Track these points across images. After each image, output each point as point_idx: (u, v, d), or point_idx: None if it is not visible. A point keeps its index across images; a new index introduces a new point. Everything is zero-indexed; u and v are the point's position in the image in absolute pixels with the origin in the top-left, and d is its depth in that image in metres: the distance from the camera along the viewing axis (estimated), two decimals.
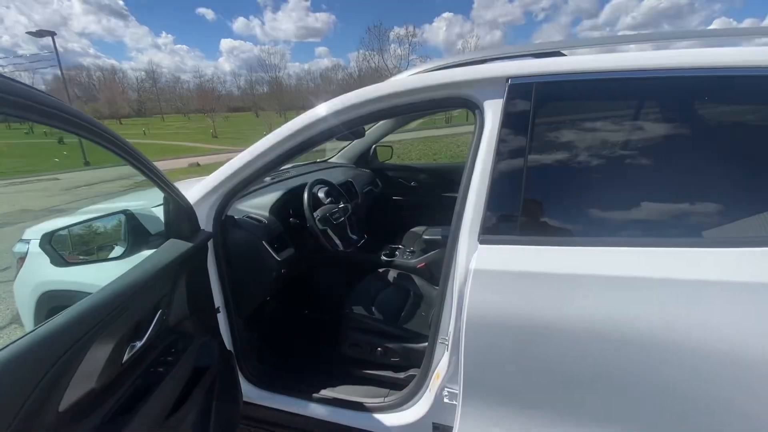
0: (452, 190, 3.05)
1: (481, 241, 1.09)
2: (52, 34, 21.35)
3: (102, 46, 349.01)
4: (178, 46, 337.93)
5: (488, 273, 1.04)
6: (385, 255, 2.28)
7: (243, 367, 1.58)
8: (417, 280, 2.02)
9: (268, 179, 2.20)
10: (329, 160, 3.07)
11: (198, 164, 13.82)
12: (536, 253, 1.03)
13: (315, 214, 1.77)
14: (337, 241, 1.83)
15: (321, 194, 2.10)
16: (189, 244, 1.18)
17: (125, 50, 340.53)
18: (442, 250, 2.25)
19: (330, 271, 2.27)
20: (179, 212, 1.21)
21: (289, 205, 1.92)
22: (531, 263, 1.02)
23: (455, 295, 1.13)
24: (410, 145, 13.37)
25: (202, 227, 1.34)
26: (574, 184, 1.07)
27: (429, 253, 2.17)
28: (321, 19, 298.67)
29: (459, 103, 1.23)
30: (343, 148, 3.02)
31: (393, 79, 1.43)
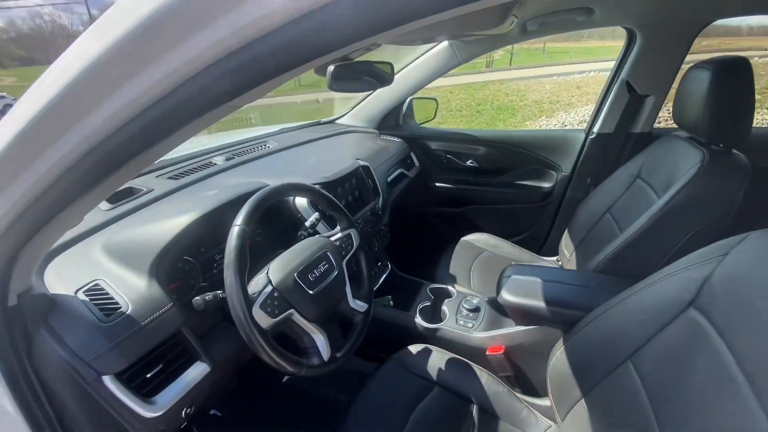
0: (537, 177, 1.90)
1: None
2: None
3: None
4: None
5: None
6: (422, 314, 1.23)
7: None
8: (485, 380, 1.00)
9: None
10: (338, 121, 1.96)
11: None
12: None
13: (256, 282, 0.72)
14: (320, 339, 0.79)
15: (300, 204, 1.05)
16: None
17: None
18: (546, 332, 0.92)
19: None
20: None
21: (209, 247, 0.90)
22: None
23: None
24: (449, 93, 11.64)
25: None
26: None
27: (514, 329, 1.10)
28: None
29: None
30: (359, 103, 1.88)
31: None
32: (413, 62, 1.65)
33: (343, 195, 1.23)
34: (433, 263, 1.55)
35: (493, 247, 1.64)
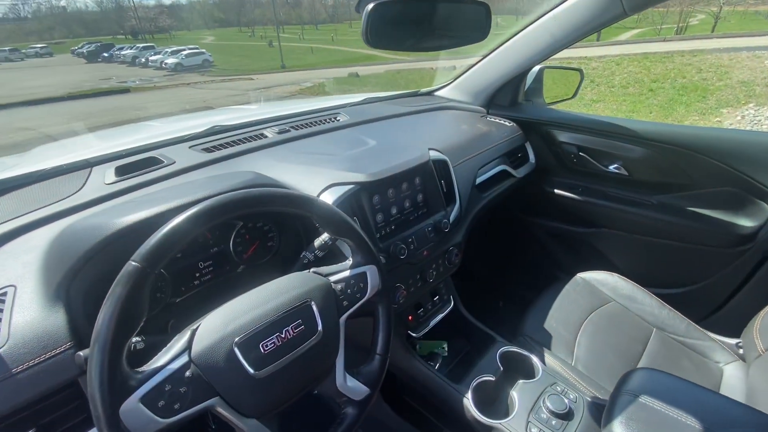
0: (731, 207, 1.12)
1: None
2: None
3: None
4: None
5: None
6: (477, 394, 0.84)
7: None
8: None
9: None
10: (438, 93, 1.56)
11: (357, 74, 13.37)
12: None
13: (169, 348, 0.46)
14: None
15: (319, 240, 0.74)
16: None
17: None
18: None
19: None
20: None
21: (187, 253, 0.63)
22: None
23: None
24: (615, 65, 9.52)
25: None
26: None
27: None
28: None
29: None
30: (467, 71, 1.43)
31: None
32: (549, 12, 1.12)
33: (397, 200, 0.88)
34: (522, 304, 1.10)
35: (627, 298, 1.10)
